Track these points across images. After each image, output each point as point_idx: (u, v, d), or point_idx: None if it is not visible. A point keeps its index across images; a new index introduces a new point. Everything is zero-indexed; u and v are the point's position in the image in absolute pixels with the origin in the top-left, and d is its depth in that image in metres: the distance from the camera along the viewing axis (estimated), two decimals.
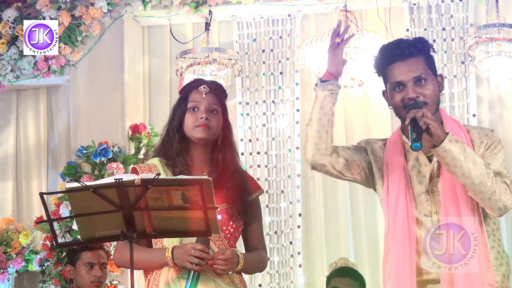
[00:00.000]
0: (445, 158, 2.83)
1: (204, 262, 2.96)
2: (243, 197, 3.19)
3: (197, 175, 3.12)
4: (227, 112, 3.29)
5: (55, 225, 5.38)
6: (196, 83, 3.26)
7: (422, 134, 2.83)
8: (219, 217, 2.94)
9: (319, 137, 3.03)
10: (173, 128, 3.22)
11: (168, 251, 3.03)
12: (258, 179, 5.56)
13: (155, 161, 3.20)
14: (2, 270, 5.60)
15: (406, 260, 2.93)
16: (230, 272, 3.11)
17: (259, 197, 3.32)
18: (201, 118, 3.15)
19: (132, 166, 3.34)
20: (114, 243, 5.24)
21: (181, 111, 3.22)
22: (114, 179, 2.62)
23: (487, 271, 2.88)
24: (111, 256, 5.23)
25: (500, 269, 2.97)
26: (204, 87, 3.21)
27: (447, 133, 2.82)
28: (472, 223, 2.87)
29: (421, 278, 2.97)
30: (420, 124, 2.82)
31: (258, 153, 5.64)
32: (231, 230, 3.15)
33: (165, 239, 3.09)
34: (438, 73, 3.06)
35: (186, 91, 3.26)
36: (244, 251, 3.24)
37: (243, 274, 3.22)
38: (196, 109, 3.18)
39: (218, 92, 3.24)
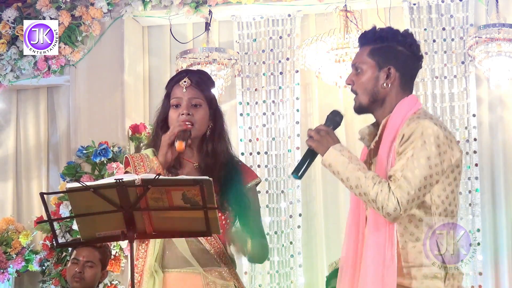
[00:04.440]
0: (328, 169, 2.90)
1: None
2: (233, 188, 3.12)
3: (188, 167, 3.12)
4: (216, 101, 3.21)
5: (55, 225, 5.38)
6: (178, 77, 3.18)
7: (305, 163, 2.91)
8: None
9: None
10: (158, 126, 3.19)
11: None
12: None
13: (148, 152, 3.17)
14: (2, 270, 5.60)
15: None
16: (221, 267, 3.08)
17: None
18: (183, 114, 3.09)
19: (125, 155, 3.30)
20: (114, 243, 5.25)
21: (164, 107, 3.17)
22: (115, 179, 2.61)
23: (387, 268, 2.79)
24: (112, 256, 5.24)
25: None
26: (184, 81, 3.12)
27: (332, 145, 2.86)
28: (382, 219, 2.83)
29: None
30: (308, 144, 2.90)
31: (258, 153, 5.64)
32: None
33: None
34: (395, 65, 2.93)
35: (169, 87, 3.19)
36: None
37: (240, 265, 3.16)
38: (178, 105, 3.12)
39: (200, 84, 3.14)
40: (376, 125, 3.01)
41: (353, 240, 2.98)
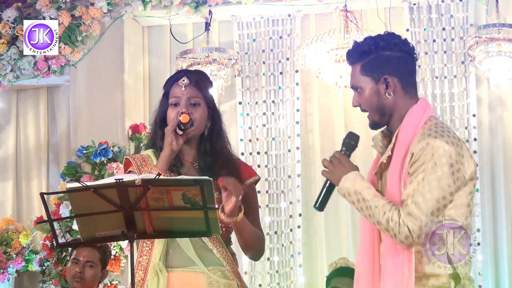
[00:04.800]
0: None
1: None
2: None
3: (188, 167, 3.12)
4: (214, 101, 3.21)
5: (55, 225, 5.38)
6: (176, 76, 3.18)
7: (322, 194, 2.87)
8: None
9: None
10: (157, 125, 3.18)
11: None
12: None
13: (149, 152, 3.17)
14: (2, 270, 5.60)
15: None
16: (224, 266, 3.08)
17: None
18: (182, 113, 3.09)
19: (125, 156, 3.29)
20: (114, 243, 5.25)
21: (162, 106, 3.17)
22: (115, 179, 2.61)
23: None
24: (112, 256, 5.24)
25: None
26: (183, 80, 3.12)
27: (344, 175, 2.81)
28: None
29: None
30: (323, 175, 2.87)
31: (258, 153, 5.64)
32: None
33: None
34: (389, 72, 2.87)
35: (167, 85, 3.18)
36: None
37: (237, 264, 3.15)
38: (177, 104, 3.11)
39: (199, 83, 3.14)
40: (389, 132, 2.95)
41: (368, 254, 2.92)
